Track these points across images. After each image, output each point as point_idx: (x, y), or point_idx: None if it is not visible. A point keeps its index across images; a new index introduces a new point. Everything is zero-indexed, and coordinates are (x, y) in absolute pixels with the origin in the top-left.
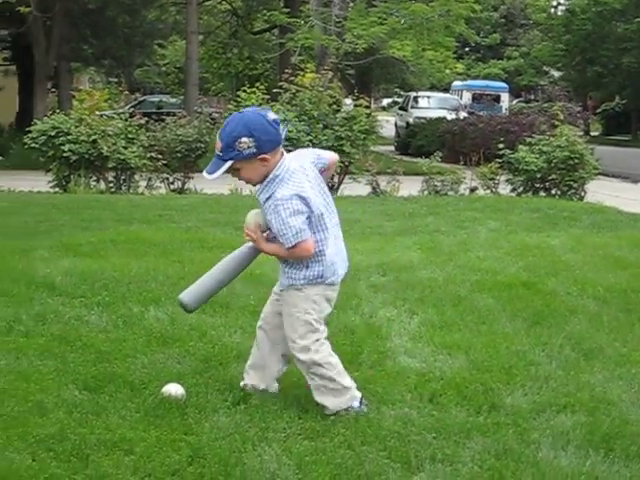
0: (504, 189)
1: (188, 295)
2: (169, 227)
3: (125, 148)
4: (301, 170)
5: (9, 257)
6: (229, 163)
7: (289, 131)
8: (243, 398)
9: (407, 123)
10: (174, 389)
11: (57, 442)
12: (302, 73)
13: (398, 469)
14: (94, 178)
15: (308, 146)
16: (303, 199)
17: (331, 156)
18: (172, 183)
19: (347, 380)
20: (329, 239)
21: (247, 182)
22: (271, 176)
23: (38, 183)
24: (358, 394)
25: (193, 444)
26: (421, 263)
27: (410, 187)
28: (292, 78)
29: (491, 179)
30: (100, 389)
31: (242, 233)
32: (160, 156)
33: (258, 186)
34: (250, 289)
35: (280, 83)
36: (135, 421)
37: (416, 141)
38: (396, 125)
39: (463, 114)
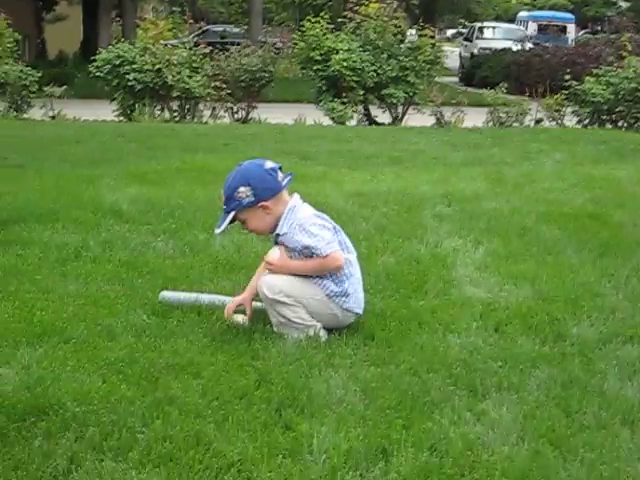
0: (570, 121)
1: (169, 294)
2: (234, 156)
3: (189, 77)
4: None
5: (76, 185)
6: (232, 214)
7: (353, 61)
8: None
9: (472, 54)
10: (242, 319)
11: (126, 365)
12: (366, 3)
13: (464, 396)
14: (158, 107)
15: (373, 76)
16: (324, 219)
17: None
18: (236, 112)
19: (311, 320)
20: (354, 265)
21: (258, 233)
22: (285, 212)
23: (103, 112)
24: (321, 333)
25: (260, 369)
26: (486, 194)
27: (475, 118)
28: (356, 8)
29: (557, 111)
30: (168, 314)
31: (306, 162)
32: (224, 85)
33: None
34: None
35: (344, 13)
36: (203, 346)
37: (481, 72)
38: (460, 56)
39: (529, 45)
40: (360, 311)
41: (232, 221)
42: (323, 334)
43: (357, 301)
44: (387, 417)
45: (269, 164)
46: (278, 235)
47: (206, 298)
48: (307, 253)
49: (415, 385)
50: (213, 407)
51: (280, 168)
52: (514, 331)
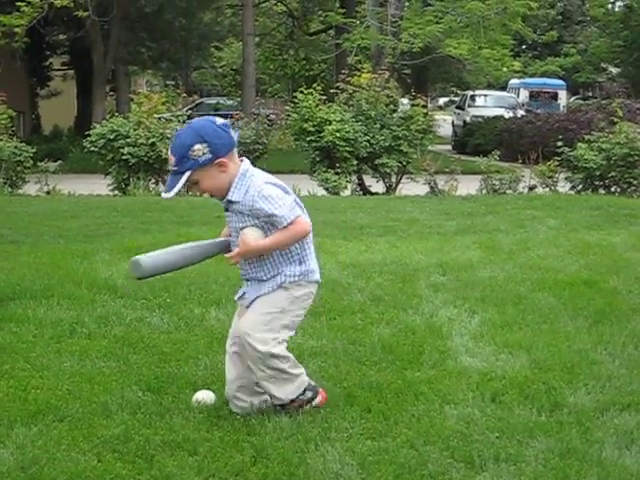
0: (563, 187)
1: (147, 259)
2: None
3: None
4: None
5: (71, 260)
6: (187, 174)
7: (346, 131)
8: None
9: (464, 122)
10: (202, 395)
11: (122, 443)
12: (359, 73)
13: (461, 469)
14: (153, 181)
15: (366, 146)
16: (280, 186)
17: None
18: None
19: (297, 369)
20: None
21: (210, 194)
22: (239, 175)
23: (97, 186)
24: (307, 380)
25: (256, 444)
26: (481, 262)
27: (468, 186)
28: (349, 78)
29: (550, 177)
30: (163, 390)
31: None
32: None
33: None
34: None
35: (337, 84)
36: (198, 422)
37: (473, 140)
38: (453, 124)
39: (521, 112)
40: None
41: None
42: (309, 394)
43: (316, 267)
44: None
45: (220, 120)
46: (230, 202)
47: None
48: (270, 221)
49: (412, 458)
50: None
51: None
52: (511, 401)
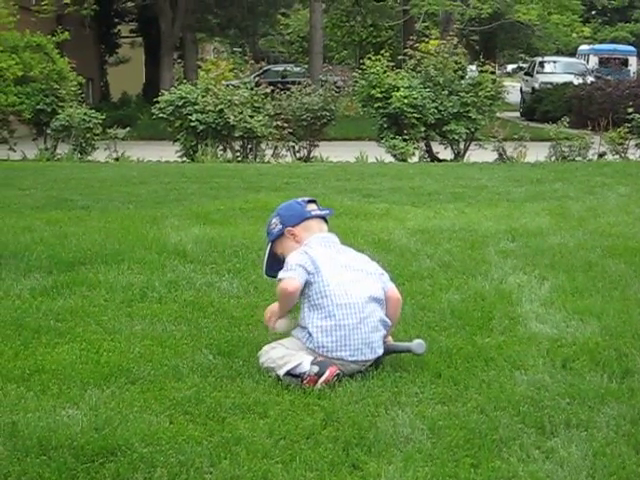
0: (633, 154)
1: None
2: (296, 194)
3: (251, 117)
4: (319, 243)
5: (141, 225)
6: (269, 247)
7: (414, 98)
8: (375, 364)
9: (533, 88)
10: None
11: (193, 405)
12: (426, 40)
13: (532, 434)
14: (221, 147)
15: (434, 112)
16: (307, 254)
17: (393, 288)
18: (298, 151)
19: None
20: (343, 314)
21: None
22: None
23: (166, 153)
24: (307, 357)
25: (326, 408)
26: (550, 229)
27: (537, 153)
28: (416, 45)
29: (620, 144)
30: (234, 354)
31: (368, 200)
32: (286, 124)
33: None
34: (380, 256)
35: (405, 50)
36: (269, 385)
37: (542, 107)
38: (521, 91)
39: (590, 79)
40: (353, 358)
41: (276, 260)
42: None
43: (343, 348)
44: (455, 456)
45: (302, 198)
46: None
47: None
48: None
49: (483, 423)
50: (280, 447)
51: (315, 201)
52: (581, 367)
